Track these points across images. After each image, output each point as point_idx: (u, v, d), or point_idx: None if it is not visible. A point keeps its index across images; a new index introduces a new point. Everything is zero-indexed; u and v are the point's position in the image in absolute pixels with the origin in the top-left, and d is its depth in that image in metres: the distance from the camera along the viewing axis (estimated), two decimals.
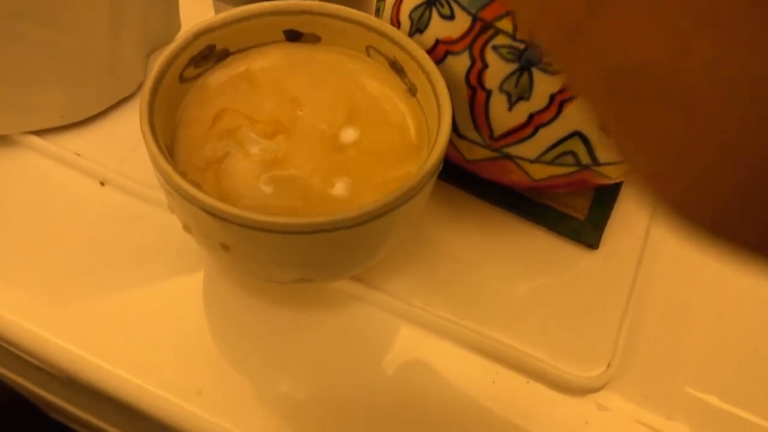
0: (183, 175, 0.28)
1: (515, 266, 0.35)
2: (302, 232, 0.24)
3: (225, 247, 0.26)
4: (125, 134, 0.38)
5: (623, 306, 0.34)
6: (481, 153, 0.32)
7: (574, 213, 0.36)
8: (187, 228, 0.28)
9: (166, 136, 0.28)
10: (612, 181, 0.34)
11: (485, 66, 0.29)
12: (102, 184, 0.37)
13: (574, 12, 0.13)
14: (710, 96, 0.11)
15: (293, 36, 0.32)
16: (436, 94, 0.29)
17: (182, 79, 0.29)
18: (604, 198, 0.37)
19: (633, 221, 0.37)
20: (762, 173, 0.11)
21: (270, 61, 0.32)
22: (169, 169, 0.25)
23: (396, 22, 0.32)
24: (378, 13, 0.34)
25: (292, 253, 0.26)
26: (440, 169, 0.29)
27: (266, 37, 0.32)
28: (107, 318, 0.33)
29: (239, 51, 0.31)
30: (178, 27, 0.41)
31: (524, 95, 0.29)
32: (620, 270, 0.35)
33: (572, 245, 0.36)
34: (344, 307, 0.33)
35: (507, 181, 0.34)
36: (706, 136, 0.12)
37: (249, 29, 0.31)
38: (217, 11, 0.35)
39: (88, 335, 0.32)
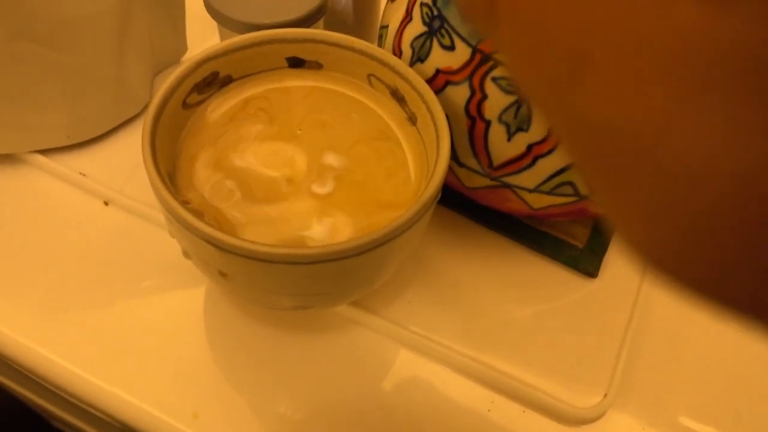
0: (184, 202, 0.28)
1: (513, 293, 0.35)
2: (301, 263, 0.25)
3: (223, 274, 0.27)
4: (130, 154, 0.38)
5: (621, 335, 0.34)
6: (481, 181, 0.32)
7: (573, 241, 0.36)
8: (186, 254, 0.28)
9: (168, 163, 0.28)
10: None
11: (485, 97, 0.30)
12: (106, 203, 0.37)
13: (557, 69, 0.13)
14: (692, 162, 0.11)
15: (296, 63, 0.32)
16: (435, 123, 0.29)
17: (185, 105, 0.30)
18: (604, 226, 0.37)
19: None
20: (748, 237, 0.11)
21: (272, 88, 0.32)
22: (168, 196, 0.25)
23: (398, 51, 0.33)
24: (381, 40, 0.35)
25: (291, 282, 0.26)
26: (438, 197, 0.29)
27: (269, 64, 0.32)
28: (107, 337, 0.33)
29: (242, 77, 0.32)
30: (185, 48, 0.41)
31: (523, 126, 0.29)
32: (619, 299, 0.35)
33: (571, 273, 0.36)
34: (343, 330, 0.34)
35: (506, 209, 0.34)
36: (685, 200, 0.12)
37: (252, 56, 0.31)
38: (222, 38, 0.36)
39: (87, 354, 0.32)
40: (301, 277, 0.25)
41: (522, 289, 0.35)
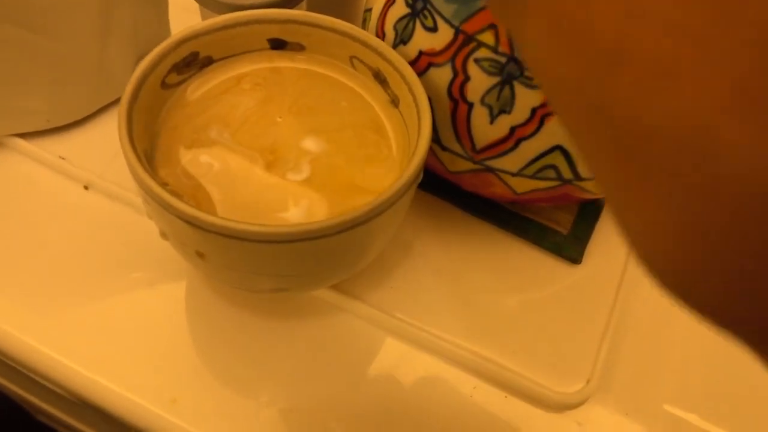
0: (163, 184, 0.28)
1: (497, 279, 0.35)
2: (277, 241, 0.24)
3: (201, 255, 0.26)
4: (110, 139, 0.38)
5: (604, 322, 0.34)
6: (464, 165, 0.32)
7: (558, 227, 0.36)
8: (164, 235, 0.28)
9: (146, 143, 0.28)
10: (595, 197, 0.34)
11: (467, 78, 0.29)
12: (86, 188, 0.37)
13: (592, 63, 0.12)
14: (747, 171, 0.10)
15: (278, 44, 0.32)
16: (417, 105, 0.29)
17: (164, 85, 0.29)
18: (588, 212, 0.37)
19: (616, 236, 0.36)
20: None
21: (253, 69, 0.32)
22: (143, 174, 0.25)
23: (381, 33, 0.32)
24: (364, 23, 0.35)
25: (268, 262, 0.26)
26: (420, 178, 0.29)
27: (251, 45, 0.32)
28: (87, 323, 0.33)
29: (223, 58, 0.31)
30: (168, 33, 0.41)
31: (506, 108, 0.29)
32: (602, 285, 0.35)
33: (555, 259, 0.36)
34: (324, 316, 0.33)
35: (490, 193, 0.34)
36: (726, 213, 0.11)
37: (234, 37, 0.31)
38: (203, 18, 0.35)
39: (67, 340, 0.32)
40: (279, 257, 0.25)
41: (506, 275, 0.35)
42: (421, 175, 0.29)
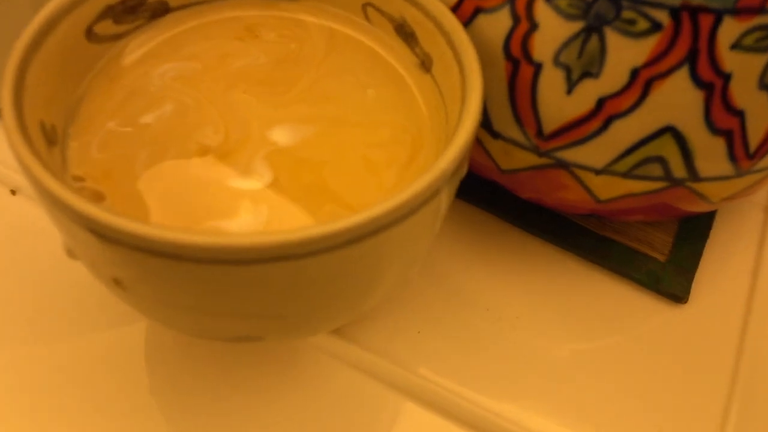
0: (77, 178, 0.18)
1: (565, 322, 0.25)
2: (232, 261, 0.15)
3: (119, 283, 0.17)
4: None
5: (726, 385, 0.23)
6: (524, 159, 0.22)
7: (652, 252, 0.26)
8: (70, 252, 0.18)
9: (54, 115, 0.19)
10: (709, 208, 0.24)
11: (534, 26, 0.20)
12: (13, 192, 0.28)
13: None
14: None
15: None
16: (460, 63, 0.19)
17: (92, 35, 0.20)
18: (692, 232, 0.27)
19: (733, 264, 0.26)
20: None
21: (222, 25, 0.22)
22: (28, 158, 0.16)
23: None
24: None
25: (221, 294, 0.16)
26: (463, 173, 0.19)
27: None
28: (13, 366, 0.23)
29: (184, 6, 0.22)
30: None
31: (592, 70, 0.20)
32: (719, 333, 0.25)
33: (648, 296, 0.25)
34: (320, 371, 0.23)
35: (558, 202, 0.24)
36: None
37: None
38: None
39: None
40: (237, 287, 0.15)
41: (579, 318, 0.25)
42: (465, 169, 0.20)
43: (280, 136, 0.19)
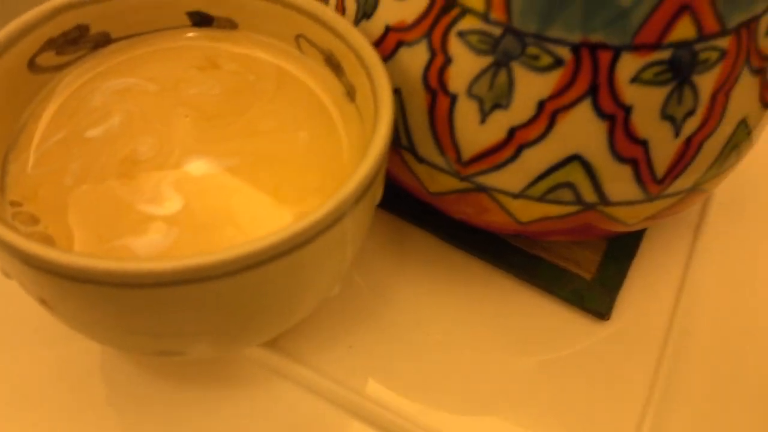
0: (14, 203, 0.20)
1: (494, 338, 0.26)
2: (132, 285, 0.16)
3: (44, 302, 0.18)
4: None
5: (643, 397, 0.25)
6: (447, 183, 0.24)
7: (578, 270, 0.27)
8: (5, 272, 0.19)
9: None
10: (629, 229, 0.25)
11: (448, 60, 0.21)
12: None
13: None
14: None
15: (201, 20, 0.24)
16: (375, 95, 0.20)
17: (34, 67, 0.22)
18: (619, 251, 0.28)
19: (657, 283, 0.27)
20: None
21: (163, 54, 0.24)
22: None
23: (341, 7, 0.24)
24: None
25: (131, 314, 0.17)
26: (377, 195, 0.20)
27: (165, 21, 0.24)
28: None
29: (125, 37, 0.24)
30: None
31: (502, 102, 0.21)
32: (639, 348, 0.26)
33: (574, 313, 0.27)
34: (257, 384, 0.25)
35: (484, 222, 0.25)
36: None
37: (140, 8, 0.23)
38: None
39: None
40: (136, 308, 0.17)
41: (506, 333, 0.26)
42: (380, 191, 0.21)
43: (200, 164, 0.20)
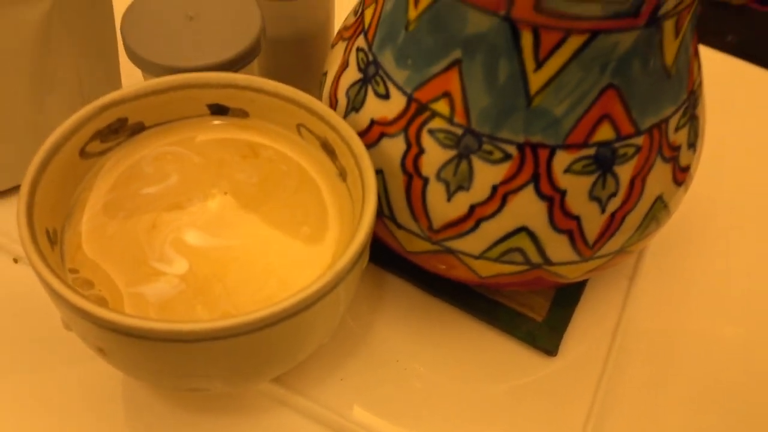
0: (72, 270, 0.24)
1: (464, 371, 0.31)
2: (184, 340, 0.21)
3: (101, 350, 0.23)
4: None
5: (581, 423, 0.30)
6: (421, 245, 0.29)
7: (531, 313, 0.32)
8: (67, 325, 0.24)
9: (56, 220, 0.25)
10: (571, 281, 0.30)
11: (421, 151, 0.26)
12: (15, 261, 0.34)
13: None
14: None
15: (219, 110, 0.29)
16: (362, 180, 0.26)
17: (84, 154, 0.27)
18: (566, 297, 0.33)
19: (597, 325, 0.33)
20: None
21: (190, 138, 0.29)
22: (36, 258, 0.22)
23: (334, 99, 0.30)
24: (321, 87, 0.32)
25: (176, 362, 0.22)
26: (364, 263, 0.25)
27: (188, 111, 0.29)
28: (9, 409, 0.29)
29: (157, 125, 0.29)
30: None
31: (464, 185, 0.26)
32: (580, 381, 0.31)
33: (528, 350, 0.32)
34: (264, 411, 0.29)
35: (452, 275, 0.30)
36: None
37: (168, 102, 0.28)
38: (145, 79, 0.33)
39: None
40: (185, 357, 0.22)
41: (474, 367, 0.31)
42: (366, 259, 0.26)
43: (208, 236, 0.25)
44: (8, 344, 0.31)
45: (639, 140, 0.26)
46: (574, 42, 0.23)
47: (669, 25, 0.24)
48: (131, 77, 0.33)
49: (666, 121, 0.26)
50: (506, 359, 0.31)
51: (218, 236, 0.26)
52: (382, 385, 0.30)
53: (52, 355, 0.31)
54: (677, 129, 0.27)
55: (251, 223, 0.26)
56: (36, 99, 0.33)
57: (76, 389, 0.30)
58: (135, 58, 0.30)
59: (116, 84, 0.38)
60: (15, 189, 0.36)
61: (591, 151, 0.25)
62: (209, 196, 0.27)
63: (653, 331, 0.33)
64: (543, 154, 0.25)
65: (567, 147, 0.25)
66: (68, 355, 0.30)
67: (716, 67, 0.42)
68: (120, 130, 0.28)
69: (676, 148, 0.27)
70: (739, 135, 0.42)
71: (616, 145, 0.25)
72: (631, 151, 0.26)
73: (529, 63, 0.23)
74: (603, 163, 0.25)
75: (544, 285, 0.31)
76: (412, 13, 0.25)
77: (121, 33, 0.30)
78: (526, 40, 0.23)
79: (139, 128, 0.28)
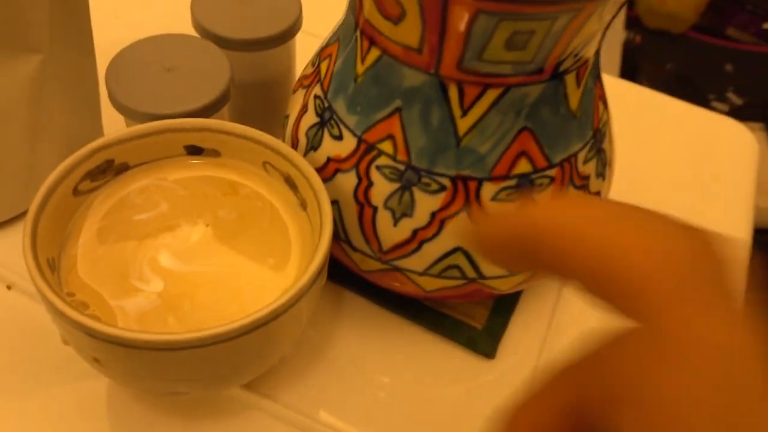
0: (69, 294, 0.28)
1: (412, 374, 0.35)
2: (169, 349, 0.25)
3: (97, 360, 0.27)
4: None
5: None
6: (373, 264, 0.33)
7: (472, 322, 0.37)
8: (65, 340, 0.28)
9: (53, 250, 0.29)
10: (506, 292, 0.35)
11: (370, 184, 0.31)
12: (8, 288, 0.37)
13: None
14: None
15: (194, 150, 0.33)
16: (320, 210, 0.30)
17: (76, 192, 0.30)
18: (503, 307, 0.38)
19: (530, 330, 0.37)
20: None
21: (171, 174, 0.33)
22: (41, 283, 0.25)
23: (296, 139, 0.34)
24: (284, 127, 0.36)
25: (161, 368, 0.26)
26: (322, 280, 0.30)
27: (168, 152, 0.33)
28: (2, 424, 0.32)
29: (140, 164, 0.33)
30: (101, 133, 0.42)
31: (407, 212, 0.31)
32: (516, 380, 0.35)
33: (469, 355, 0.36)
34: (236, 414, 0.33)
35: (402, 290, 0.35)
36: None
37: (150, 145, 0.32)
38: (127, 125, 0.37)
39: None
40: (173, 364, 0.25)
41: (422, 370, 0.36)
42: (324, 277, 0.30)
43: (183, 263, 0.30)
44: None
45: (552, 172, 0.30)
46: (491, 94, 0.28)
47: (570, 78, 0.29)
48: (114, 123, 0.37)
49: (575, 155, 0.31)
50: (453, 363, 0.36)
51: (192, 263, 0.30)
52: (343, 389, 0.35)
53: (41, 376, 0.34)
54: (586, 161, 0.32)
55: (224, 254, 0.30)
56: (30, 142, 0.37)
57: (66, 405, 0.33)
58: (119, 106, 0.34)
59: (99, 128, 0.42)
60: (7, 222, 0.39)
61: (513, 182, 0.30)
62: (195, 224, 0.31)
63: (580, 333, 0.37)
64: (472, 185, 0.30)
65: (492, 179, 0.30)
66: (57, 375, 0.34)
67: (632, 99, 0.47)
68: (107, 170, 0.32)
69: (585, 178, 0.32)
70: (649, 161, 0.48)
71: (533, 176, 0.30)
72: (546, 181, 0.31)
73: (456, 110, 0.28)
74: (523, 191, 0.30)
75: (481, 296, 0.35)
76: (360, 69, 0.30)
77: (106, 83, 0.34)
78: (453, 92, 0.28)
79: (124, 168, 0.32)
